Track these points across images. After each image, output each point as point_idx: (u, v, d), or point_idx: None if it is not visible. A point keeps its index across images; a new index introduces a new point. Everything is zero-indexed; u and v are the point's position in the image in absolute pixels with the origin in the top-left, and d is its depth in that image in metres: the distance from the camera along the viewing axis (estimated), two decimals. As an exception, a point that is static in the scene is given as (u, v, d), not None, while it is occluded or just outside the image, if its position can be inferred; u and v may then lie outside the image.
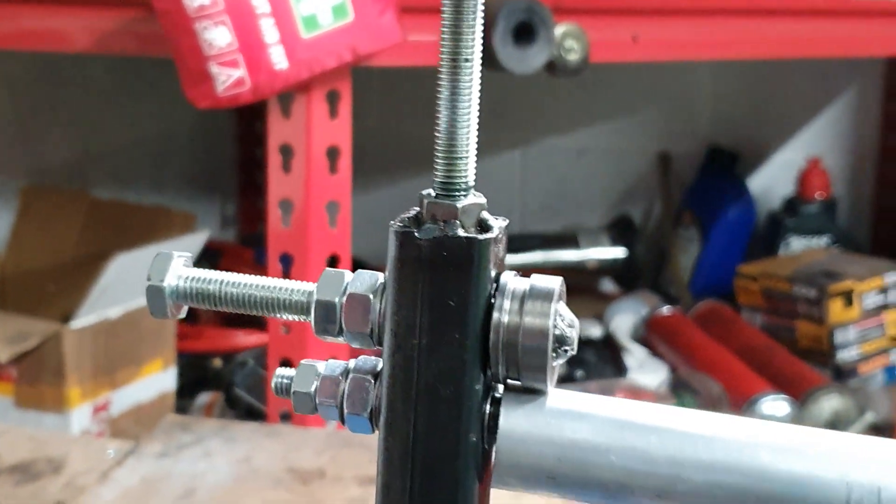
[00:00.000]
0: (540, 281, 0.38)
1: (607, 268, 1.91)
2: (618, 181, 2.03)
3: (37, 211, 1.46)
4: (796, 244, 1.80)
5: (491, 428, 0.39)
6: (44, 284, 1.43)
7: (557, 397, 0.39)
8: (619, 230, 1.91)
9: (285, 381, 0.41)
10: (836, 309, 1.58)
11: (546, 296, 0.38)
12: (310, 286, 0.40)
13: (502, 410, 0.39)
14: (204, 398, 1.44)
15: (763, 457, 0.37)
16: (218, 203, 2.08)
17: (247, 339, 1.60)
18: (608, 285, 1.98)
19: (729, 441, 0.38)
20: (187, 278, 0.41)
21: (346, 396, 0.40)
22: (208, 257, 1.78)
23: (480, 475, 0.39)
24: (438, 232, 0.37)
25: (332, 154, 1.08)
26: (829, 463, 0.37)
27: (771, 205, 1.89)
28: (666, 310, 1.70)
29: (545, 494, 0.40)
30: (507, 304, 0.38)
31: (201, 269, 0.41)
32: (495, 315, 0.38)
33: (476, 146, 0.38)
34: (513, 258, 1.87)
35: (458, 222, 0.37)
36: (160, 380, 1.37)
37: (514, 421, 0.39)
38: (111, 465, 1.03)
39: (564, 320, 0.38)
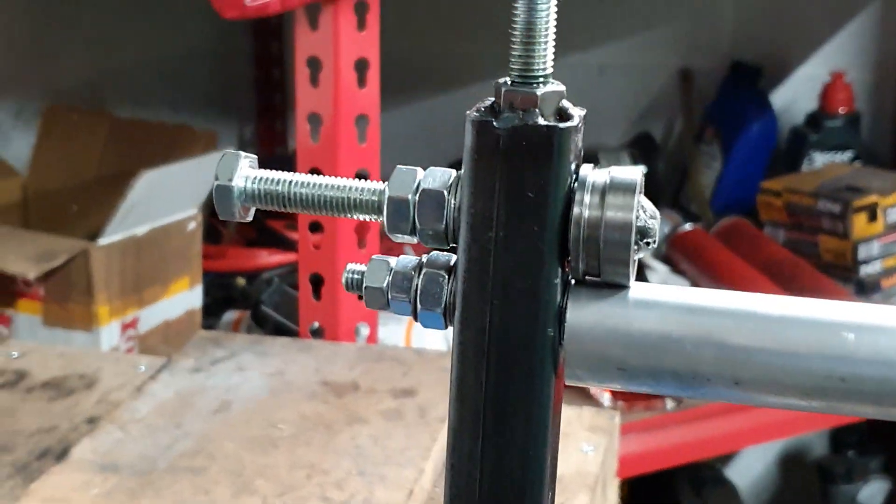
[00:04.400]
0: (621, 172, 0.38)
1: (627, 186, 1.90)
2: (639, 98, 2.01)
3: (58, 131, 1.45)
4: (819, 160, 1.78)
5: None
6: (66, 205, 1.43)
7: (633, 289, 0.39)
8: (640, 148, 1.90)
9: (356, 276, 0.40)
10: (860, 223, 1.57)
11: (628, 188, 0.37)
12: (380, 185, 0.40)
13: (573, 302, 0.38)
14: (230, 316, 1.44)
15: (847, 337, 0.36)
16: (236, 124, 2.06)
17: (269, 258, 1.61)
18: (629, 203, 1.97)
19: (809, 322, 0.37)
20: (255, 179, 0.40)
21: (419, 292, 0.39)
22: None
23: (556, 369, 0.39)
24: (517, 120, 0.36)
25: (361, 67, 1.06)
26: None
27: (794, 120, 1.87)
28: (688, 226, 1.70)
29: (616, 387, 0.40)
30: (587, 197, 0.37)
31: (269, 171, 0.41)
32: (576, 208, 0.37)
33: (554, 33, 0.37)
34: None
35: (537, 111, 0.37)
36: (187, 298, 1.37)
37: (583, 312, 0.38)
38: (144, 379, 1.04)
39: (646, 212, 0.37)
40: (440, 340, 1.36)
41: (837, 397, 0.37)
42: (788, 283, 1.53)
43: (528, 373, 0.38)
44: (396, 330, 1.32)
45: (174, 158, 1.32)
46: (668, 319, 0.38)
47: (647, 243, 0.38)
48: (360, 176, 1.08)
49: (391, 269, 0.40)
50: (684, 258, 1.65)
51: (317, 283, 1.14)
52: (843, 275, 1.60)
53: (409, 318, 1.30)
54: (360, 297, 0.40)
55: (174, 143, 1.41)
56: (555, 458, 0.40)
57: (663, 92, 1.99)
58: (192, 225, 1.36)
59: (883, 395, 0.36)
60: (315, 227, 1.11)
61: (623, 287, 0.38)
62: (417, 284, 0.39)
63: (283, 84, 2.03)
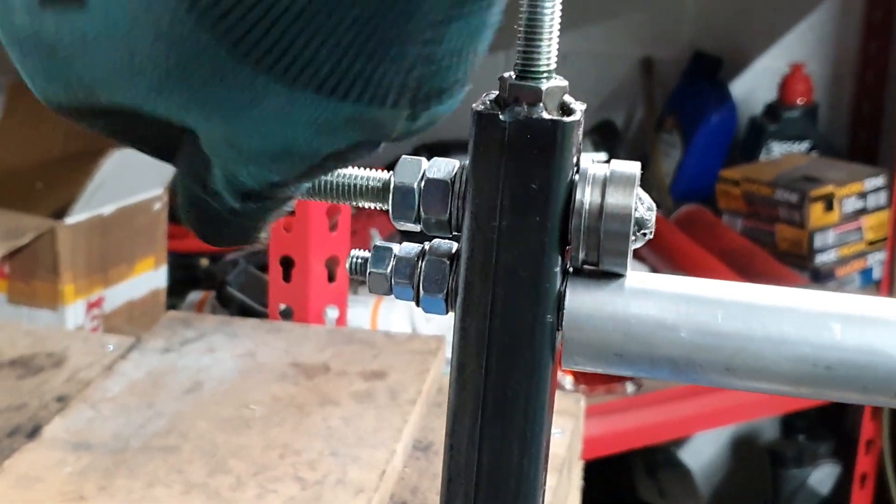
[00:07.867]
0: (620, 166, 0.39)
1: (588, 172, 1.92)
2: (601, 86, 2.03)
3: (23, 108, 1.44)
4: (777, 150, 1.81)
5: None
6: (30, 182, 1.42)
7: (629, 278, 0.40)
8: (602, 135, 1.92)
9: (360, 261, 0.41)
10: (816, 213, 1.60)
11: (628, 180, 0.38)
12: (385, 174, 0.41)
13: (571, 290, 0.39)
14: (194, 296, 1.44)
15: (834, 327, 0.38)
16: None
17: (233, 239, 1.60)
18: (589, 190, 1.99)
19: (798, 312, 0.38)
20: (263, 165, 0.41)
21: (422, 277, 0.40)
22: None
23: (553, 355, 0.40)
24: (522, 114, 0.38)
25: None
26: None
27: (753, 110, 1.90)
28: (648, 213, 1.72)
29: (613, 371, 0.41)
30: (588, 189, 0.39)
31: None
32: (577, 199, 0.38)
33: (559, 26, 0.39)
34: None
35: (541, 105, 0.38)
36: (152, 278, 1.37)
37: (582, 300, 0.40)
38: (114, 359, 1.04)
39: (644, 204, 0.39)
40: (405, 323, 1.37)
41: (824, 384, 0.39)
42: (745, 271, 1.56)
43: (529, 358, 0.40)
44: (362, 313, 1.33)
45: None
46: (664, 307, 0.39)
47: (644, 234, 0.39)
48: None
49: (394, 256, 0.41)
50: (644, 244, 1.68)
51: (287, 265, 1.14)
52: (798, 263, 1.63)
53: (374, 302, 1.29)
54: (364, 282, 0.41)
55: (140, 123, 1.40)
56: (548, 441, 0.41)
57: (625, 80, 2.01)
58: (158, 205, 1.36)
59: (867, 383, 0.38)
60: (285, 210, 1.12)
61: (619, 276, 0.40)
62: (420, 271, 0.40)
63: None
